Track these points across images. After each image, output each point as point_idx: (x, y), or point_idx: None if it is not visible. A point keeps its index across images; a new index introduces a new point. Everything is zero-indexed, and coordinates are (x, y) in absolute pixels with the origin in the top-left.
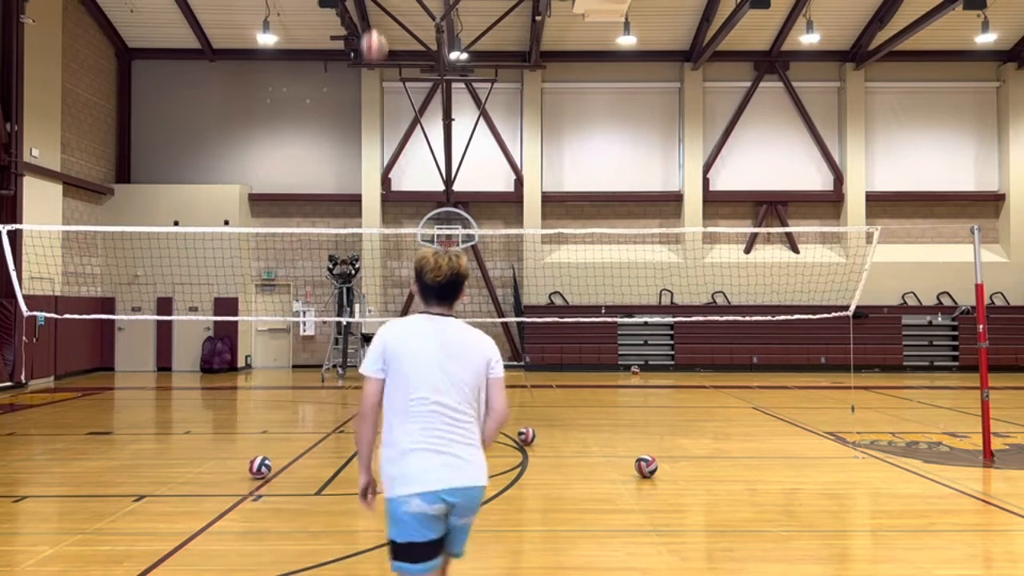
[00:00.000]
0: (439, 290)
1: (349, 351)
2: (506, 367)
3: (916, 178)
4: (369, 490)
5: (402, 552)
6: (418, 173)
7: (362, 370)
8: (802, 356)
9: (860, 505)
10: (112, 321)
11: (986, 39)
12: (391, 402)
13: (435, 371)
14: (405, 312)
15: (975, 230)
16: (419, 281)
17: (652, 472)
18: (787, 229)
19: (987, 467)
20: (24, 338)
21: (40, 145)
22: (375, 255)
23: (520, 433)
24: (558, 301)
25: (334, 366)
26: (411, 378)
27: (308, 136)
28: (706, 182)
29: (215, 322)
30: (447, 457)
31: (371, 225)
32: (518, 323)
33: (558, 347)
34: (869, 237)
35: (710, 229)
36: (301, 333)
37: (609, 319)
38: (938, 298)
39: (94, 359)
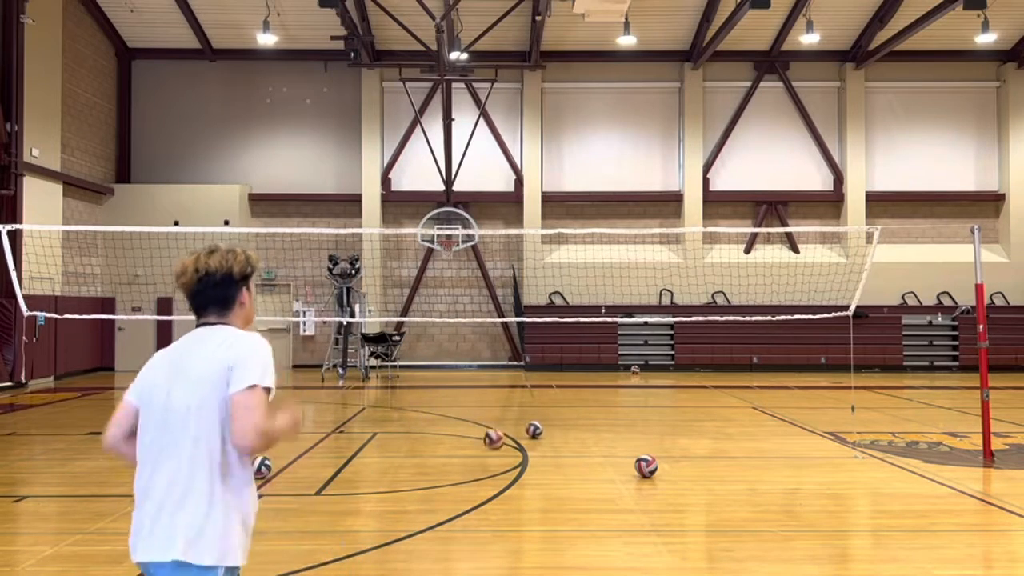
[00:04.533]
0: (190, 299)
1: (349, 351)
2: (506, 367)
3: (916, 178)
4: None
5: None
6: (418, 173)
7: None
8: (802, 356)
9: (860, 505)
10: (112, 321)
11: (986, 39)
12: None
13: (157, 403)
14: (405, 312)
15: (975, 230)
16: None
17: (652, 472)
18: (787, 229)
19: (987, 467)
20: (24, 338)
21: (40, 145)
22: (375, 255)
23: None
24: (558, 301)
25: (334, 366)
26: (140, 413)
27: (308, 136)
28: (706, 182)
29: None
30: (151, 517)
31: (371, 225)
32: (518, 323)
33: (558, 347)
34: (869, 237)
35: (710, 229)
36: (301, 333)
37: (609, 319)
38: (938, 298)
39: (94, 359)
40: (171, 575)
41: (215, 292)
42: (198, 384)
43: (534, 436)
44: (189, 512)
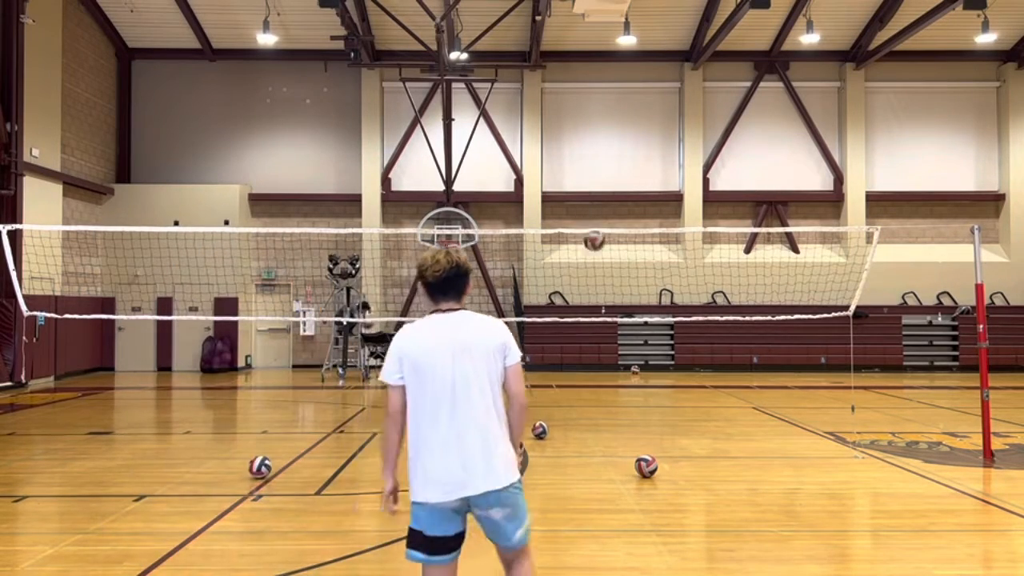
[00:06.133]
0: (442, 285)
1: (349, 351)
2: None
3: (916, 178)
4: (393, 496)
5: (415, 541)
6: (418, 173)
7: (383, 377)
8: (802, 356)
9: (860, 505)
10: (112, 321)
11: (986, 39)
12: (414, 406)
13: (442, 372)
14: (405, 312)
15: (975, 230)
16: (422, 281)
17: (652, 472)
18: (787, 229)
19: (987, 467)
20: (24, 338)
21: (40, 145)
22: (375, 255)
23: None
24: (558, 301)
25: (334, 366)
26: (427, 378)
27: (308, 136)
28: (706, 182)
29: (215, 322)
30: (464, 459)
31: (371, 225)
32: (518, 323)
33: (558, 347)
34: (869, 237)
35: (710, 229)
36: (301, 333)
37: (609, 319)
38: (938, 298)
39: (94, 359)
40: (507, 496)
41: (459, 280)
42: (483, 357)
43: (539, 437)
44: (502, 448)
